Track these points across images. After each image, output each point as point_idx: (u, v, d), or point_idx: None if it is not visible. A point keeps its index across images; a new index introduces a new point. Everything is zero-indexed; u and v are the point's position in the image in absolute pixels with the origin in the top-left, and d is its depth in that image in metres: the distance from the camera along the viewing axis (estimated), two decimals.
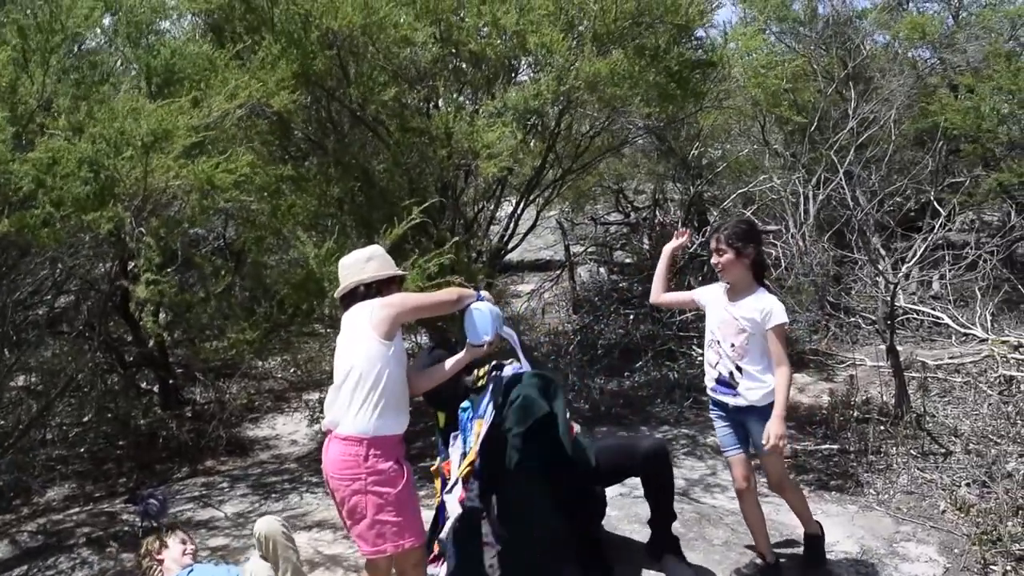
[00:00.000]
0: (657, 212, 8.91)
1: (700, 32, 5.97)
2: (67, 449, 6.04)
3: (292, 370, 7.72)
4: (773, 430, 3.29)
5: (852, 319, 7.04)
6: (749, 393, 3.42)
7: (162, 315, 5.90)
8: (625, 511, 4.15)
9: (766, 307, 3.37)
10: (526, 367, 3.51)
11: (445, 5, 5.01)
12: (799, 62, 8.65)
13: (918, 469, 4.73)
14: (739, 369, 3.45)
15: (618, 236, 9.98)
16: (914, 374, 6.08)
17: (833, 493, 4.58)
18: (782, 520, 4.03)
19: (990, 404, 5.47)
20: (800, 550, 3.78)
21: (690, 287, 7.36)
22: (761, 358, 3.40)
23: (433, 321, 5.39)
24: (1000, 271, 7.43)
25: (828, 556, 3.81)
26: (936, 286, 7.83)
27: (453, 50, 5.39)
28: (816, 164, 7.32)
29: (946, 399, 5.74)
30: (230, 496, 5.10)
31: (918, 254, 5.91)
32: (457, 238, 5.09)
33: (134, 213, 4.11)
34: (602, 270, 9.90)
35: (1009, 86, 8.23)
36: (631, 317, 7.23)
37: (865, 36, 9.64)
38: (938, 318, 6.99)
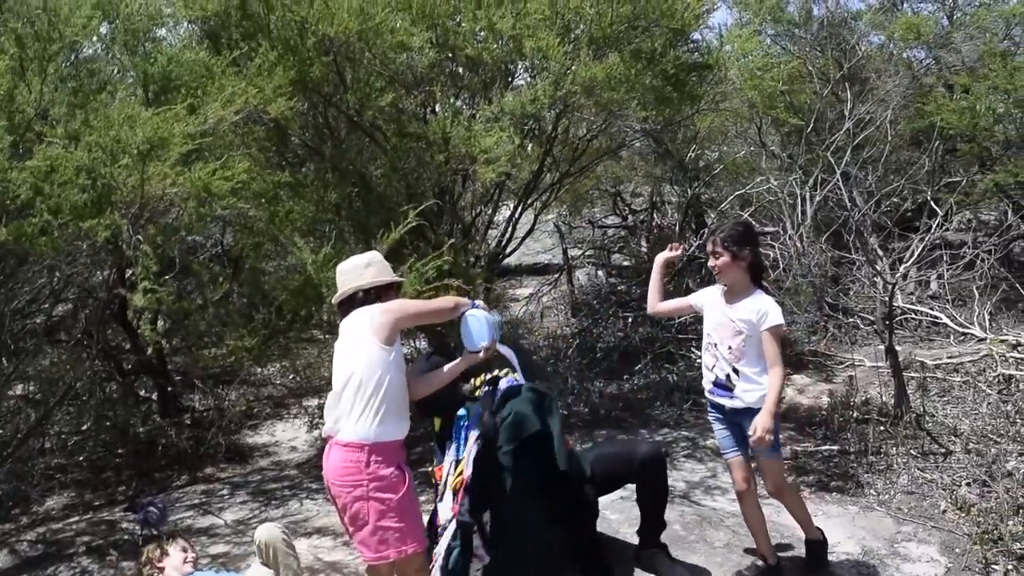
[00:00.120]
0: (655, 215, 8.92)
1: (696, 35, 5.98)
2: (66, 458, 6.03)
3: (291, 376, 7.71)
4: (760, 423, 3.28)
5: (850, 320, 7.05)
6: (746, 395, 3.41)
7: (160, 322, 5.89)
8: (625, 514, 4.15)
9: (762, 308, 3.37)
10: (522, 380, 3.52)
11: (441, 10, 5.01)
12: (795, 64, 8.67)
13: (918, 469, 4.73)
14: (736, 371, 3.44)
15: (616, 239, 10.00)
16: (913, 374, 6.08)
17: (834, 494, 4.57)
18: (783, 522, 4.02)
19: (989, 403, 5.47)
20: (802, 551, 3.78)
21: (688, 289, 7.38)
22: (758, 360, 3.39)
23: (432, 327, 5.38)
24: (997, 270, 7.44)
25: (829, 557, 3.81)
26: (934, 286, 7.84)
27: (450, 55, 5.39)
28: (813, 165, 7.33)
29: (945, 399, 5.74)
30: (230, 503, 5.09)
31: (916, 254, 5.91)
32: (454, 240, 5.09)
33: (131, 221, 4.11)
34: (600, 273, 9.92)
35: (1005, 85, 8.25)
36: (630, 320, 7.24)
37: (860, 37, 9.66)
38: (936, 318, 7.00)
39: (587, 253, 9.94)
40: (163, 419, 6.27)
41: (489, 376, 3.54)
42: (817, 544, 3.69)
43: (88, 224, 3.90)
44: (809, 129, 8.10)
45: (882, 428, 5.20)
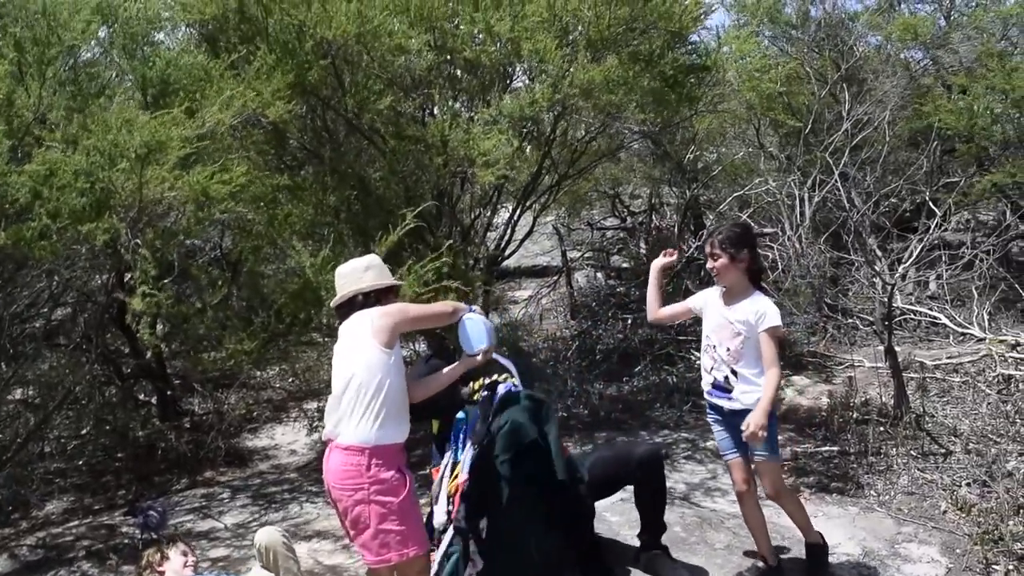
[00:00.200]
0: (653, 216, 8.92)
1: (694, 36, 5.98)
2: (65, 462, 6.02)
3: (291, 380, 7.70)
4: (753, 419, 3.27)
5: (850, 320, 7.05)
6: (744, 396, 3.41)
7: (159, 326, 5.89)
8: (625, 516, 4.14)
9: (760, 310, 3.37)
10: (520, 386, 3.53)
11: (439, 13, 5.01)
12: (792, 65, 8.68)
13: (918, 469, 4.73)
14: (734, 373, 3.45)
15: (615, 241, 10.00)
16: (912, 374, 6.08)
17: (834, 495, 4.57)
18: (784, 523, 4.01)
19: (989, 403, 5.47)
20: (802, 552, 3.77)
21: (688, 291, 7.38)
22: (756, 362, 3.39)
23: (432, 329, 5.39)
24: (996, 270, 7.45)
25: (830, 558, 3.80)
26: (933, 286, 7.84)
27: (448, 57, 5.39)
28: (811, 166, 7.35)
29: (945, 399, 5.74)
30: (230, 507, 5.08)
31: (914, 254, 5.92)
32: (452, 241, 5.09)
33: (129, 224, 4.10)
34: (599, 275, 9.91)
35: (1003, 85, 8.26)
36: (629, 322, 7.24)
37: (858, 38, 9.67)
38: (935, 318, 7.01)
39: (586, 255, 9.94)
40: (162, 423, 6.25)
41: (488, 381, 3.54)
42: (817, 548, 3.68)
43: (87, 228, 3.90)
44: (807, 130, 8.11)
45: (882, 429, 5.20)
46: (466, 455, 3.37)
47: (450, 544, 3.34)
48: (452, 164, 5.10)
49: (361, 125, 5.42)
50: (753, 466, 3.57)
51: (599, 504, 4.18)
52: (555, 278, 9.75)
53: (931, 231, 6.01)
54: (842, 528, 4.15)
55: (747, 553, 3.82)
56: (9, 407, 5.77)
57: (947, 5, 10.62)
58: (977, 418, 5.31)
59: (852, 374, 6.19)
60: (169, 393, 6.50)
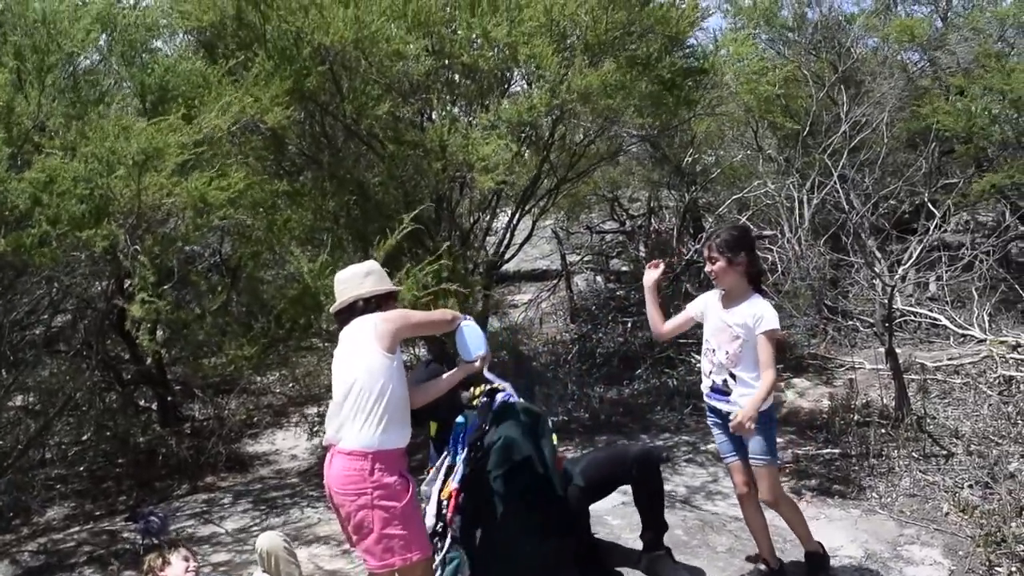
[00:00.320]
0: (652, 220, 8.92)
1: (691, 40, 5.99)
2: (66, 468, 6.02)
3: (291, 385, 7.70)
4: (743, 412, 3.27)
5: (850, 322, 7.05)
6: (743, 400, 3.40)
7: (159, 332, 5.89)
8: (627, 520, 4.14)
9: (758, 313, 3.36)
10: (516, 397, 3.58)
11: (436, 18, 5.02)
12: (790, 67, 8.69)
13: (920, 471, 4.73)
14: (732, 376, 3.44)
15: (614, 244, 10.00)
16: (913, 376, 6.08)
17: (835, 497, 4.57)
18: (785, 525, 4.01)
19: (990, 405, 5.46)
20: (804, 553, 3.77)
21: (687, 294, 7.39)
22: (754, 365, 3.38)
23: (432, 335, 5.39)
24: (996, 271, 7.45)
25: (832, 561, 3.80)
26: (933, 287, 7.84)
27: (446, 62, 5.40)
28: (810, 168, 7.35)
29: (946, 401, 5.74)
30: (231, 512, 5.08)
31: (914, 256, 5.92)
32: (450, 243, 5.09)
33: (128, 231, 4.11)
34: (599, 279, 9.91)
35: (1001, 85, 8.26)
36: (629, 325, 7.24)
37: (855, 40, 9.68)
38: (936, 319, 7.01)
39: (585, 259, 9.94)
40: (163, 429, 6.26)
41: (488, 387, 3.59)
42: (816, 557, 3.64)
43: (86, 234, 3.91)
44: (805, 132, 8.12)
45: (883, 431, 5.20)
46: (459, 463, 3.40)
47: (448, 550, 3.35)
48: (451, 169, 5.10)
49: (360, 131, 5.42)
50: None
51: (600, 507, 4.19)
52: (555, 282, 9.75)
53: (930, 232, 6.02)
54: (844, 530, 4.14)
55: (749, 558, 3.81)
56: (10, 414, 5.78)
57: (944, 6, 10.63)
58: (978, 420, 5.30)
59: (853, 376, 6.18)
60: (169, 399, 6.51)
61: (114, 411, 6.31)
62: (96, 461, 6.17)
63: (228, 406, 6.88)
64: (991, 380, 5.81)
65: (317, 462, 5.80)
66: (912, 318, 7.23)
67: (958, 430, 5.15)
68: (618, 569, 3.66)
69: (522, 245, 6.68)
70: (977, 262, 7.18)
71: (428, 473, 3.55)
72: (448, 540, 3.36)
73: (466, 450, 3.42)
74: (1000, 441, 4.91)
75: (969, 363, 6.20)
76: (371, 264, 3.32)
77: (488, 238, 6.80)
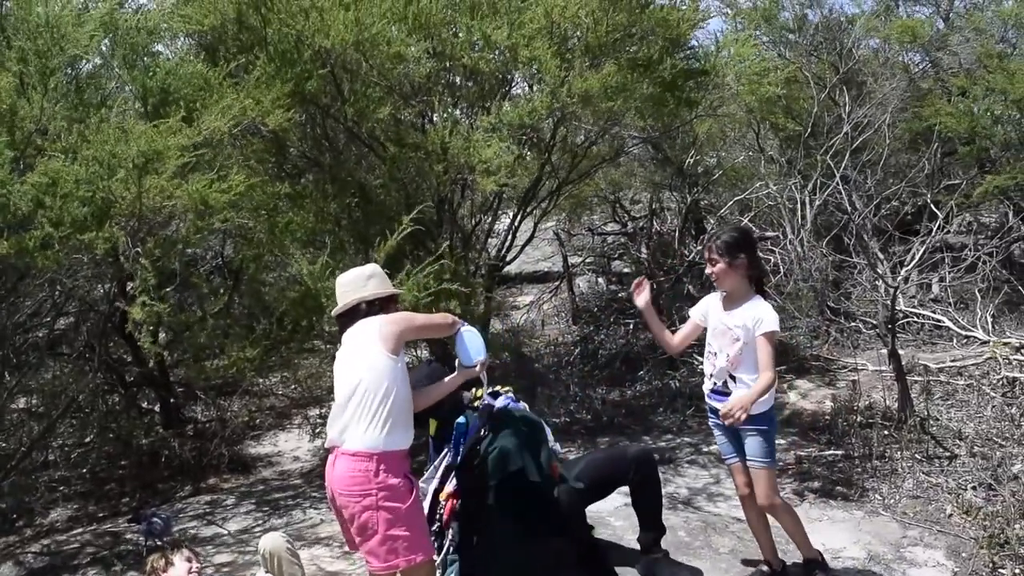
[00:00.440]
0: (654, 221, 8.92)
1: (692, 41, 5.98)
2: (69, 470, 6.03)
3: (293, 387, 7.71)
4: (738, 401, 3.27)
5: (852, 324, 7.04)
6: None
7: (162, 335, 5.90)
8: (629, 521, 4.13)
9: (758, 315, 3.36)
10: (516, 403, 3.63)
11: (437, 20, 5.02)
12: (791, 69, 8.68)
13: (923, 473, 4.72)
14: (733, 378, 3.44)
15: (616, 246, 9.99)
16: (916, 378, 6.06)
17: (838, 499, 4.56)
18: None
19: (994, 406, 5.45)
20: None
21: (689, 294, 7.39)
22: (755, 367, 3.37)
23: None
24: (999, 272, 7.43)
25: (835, 563, 3.80)
26: (936, 289, 7.82)
27: (447, 65, 5.40)
28: (812, 169, 7.33)
29: (949, 402, 5.72)
30: (234, 513, 5.09)
31: (917, 257, 5.91)
32: (449, 242, 5.09)
33: (129, 234, 4.11)
34: (601, 280, 9.91)
35: (1004, 85, 8.24)
36: (631, 326, 7.23)
37: (856, 41, 9.67)
38: (939, 321, 6.99)
39: (587, 260, 9.93)
40: (166, 430, 6.27)
41: (490, 390, 3.63)
42: (814, 564, 3.61)
43: (87, 237, 3.91)
44: (807, 134, 8.11)
45: (886, 432, 5.19)
46: (458, 464, 3.46)
47: (448, 552, 3.38)
48: (452, 171, 5.10)
49: (361, 133, 5.43)
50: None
51: (603, 508, 4.20)
52: (556, 283, 9.75)
53: (933, 234, 6.01)
54: (847, 532, 4.14)
55: (746, 562, 3.80)
56: (13, 416, 5.79)
57: (945, 7, 10.62)
58: (982, 421, 5.29)
59: (856, 378, 6.17)
60: (172, 401, 6.52)
61: (117, 413, 6.32)
62: (99, 463, 6.19)
63: (230, 408, 6.90)
64: (994, 382, 5.79)
65: (319, 463, 5.80)
66: (915, 319, 7.22)
67: (961, 432, 5.14)
68: (618, 570, 3.66)
69: (524, 247, 6.68)
70: (980, 263, 7.16)
71: (427, 471, 3.58)
72: (447, 542, 3.37)
73: (463, 454, 3.45)
74: (1004, 443, 4.90)
75: (972, 365, 6.19)
76: (373, 267, 3.34)
77: (490, 240, 6.79)
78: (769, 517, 3.61)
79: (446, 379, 3.38)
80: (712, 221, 8.60)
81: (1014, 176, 8.31)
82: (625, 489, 3.81)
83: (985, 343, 6.31)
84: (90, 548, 4.73)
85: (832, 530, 4.16)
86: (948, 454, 4.88)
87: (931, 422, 5.25)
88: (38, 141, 4.32)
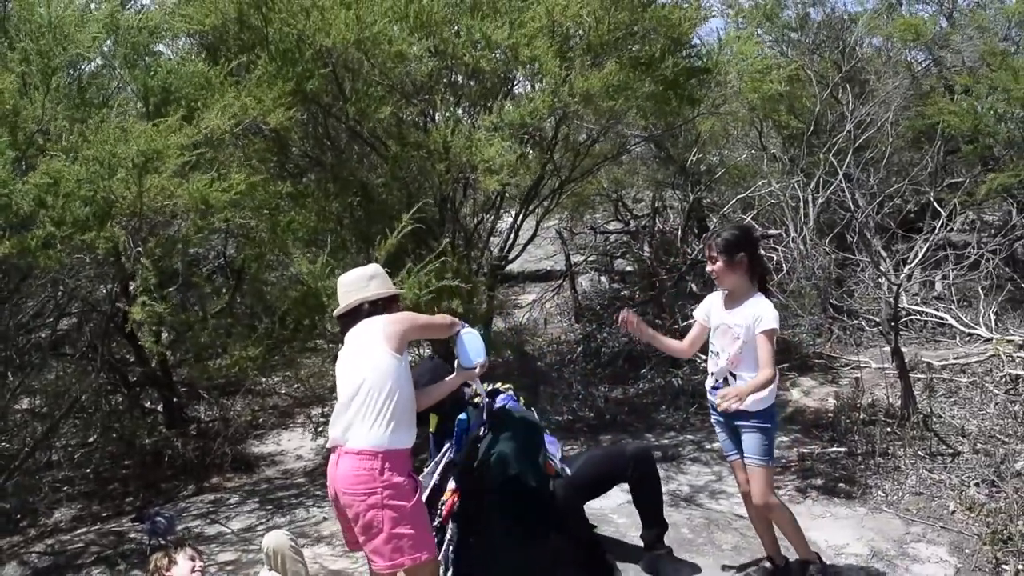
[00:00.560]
0: (657, 220, 8.92)
1: (694, 39, 5.98)
2: (73, 470, 6.04)
3: (296, 386, 7.72)
4: (734, 388, 3.27)
5: (855, 322, 7.03)
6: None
7: (164, 334, 5.92)
8: (633, 518, 4.11)
9: (758, 313, 3.35)
10: (514, 403, 3.67)
11: (438, 18, 5.02)
12: (793, 67, 8.67)
13: (926, 470, 4.71)
14: (733, 376, 3.43)
15: (618, 245, 9.99)
16: (919, 375, 6.05)
17: (841, 496, 4.55)
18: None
19: (997, 403, 5.44)
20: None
21: (692, 292, 7.39)
22: (756, 366, 3.36)
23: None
24: (1002, 270, 7.42)
25: (838, 559, 3.80)
26: (939, 287, 7.81)
27: (448, 63, 5.40)
28: (815, 168, 7.33)
29: (952, 399, 5.71)
30: (237, 512, 5.10)
31: (920, 255, 5.90)
32: (449, 239, 5.09)
33: (131, 233, 4.12)
34: (603, 279, 9.90)
35: (1007, 83, 8.22)
36: None
37: (859, 39, 9.66)
38: (942, 319, 6.98)
39: (590, 259, 9.93)
40: (169, 430, 6.29)
41: (490, 388, 3.68)
42: (804, 565, 3.55)
43: (88, 236, 3.92)
44: (810, 132, 8.10)
45: (889, 429, 5.18)
46: (458, 460, 3.50)
47: (447, 550, 3.41)
48: (454, 170, 5.11)
49: (362, 132, 5.43)
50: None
51: (605, 505, 4.21)
52: (559, 282, 9.75)
53: (936, 231, 6.00)
54: (850, 529, 4.13)
55: (743, 567, 3.80)
56: (16, 417, 5.81)
57: (948, 5, 10.59)
58: (985, 418, 5.28)
59: (859, 375, 6.17)
60: (175, 400, 6.53)
61: (120, 413, 6.34)
62: (103, 463, 6.20)
63: (233, 407, 6.91)
64: (997, 379, 5.78)
65: (323, 462, 5.81)
66: (918, 317, 7.20)
67: (964, 428, 5.13)
68: (620, 567, 3.66)
69: (526, 245, 6.68)
70: (983, 261, 7.15)
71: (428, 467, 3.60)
72: (447, 540, 3.39)
73: (463, 450, 3.46)
74: (1006, 439, 4.90)
75: (975, 362, 6.18)
76: (375, 267, 3.35)
77: (492, 239, 6.80)
78: (783, 511, 3.58)
79: (447, 379, 3.40)
80: (715, 219, 8.60)
81: (1017, 174, 8.28)
82: (627, 486, 3.81)
83: (988, 340, 6.29)
84: (94, 547, 4.74)
85: (835, 527, 4.16)
86: (951, 451, 4.87)
87: (934, 419, 5.24)
88: (40, 141, 4.33)
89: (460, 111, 5.70)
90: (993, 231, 8.74)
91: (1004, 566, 3.71)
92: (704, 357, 3.68)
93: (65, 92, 4.55)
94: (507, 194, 6.39)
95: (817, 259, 6.66)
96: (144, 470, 6.02)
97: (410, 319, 3.23)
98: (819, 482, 4.75)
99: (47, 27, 4.46)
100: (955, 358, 6.36)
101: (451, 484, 3.51)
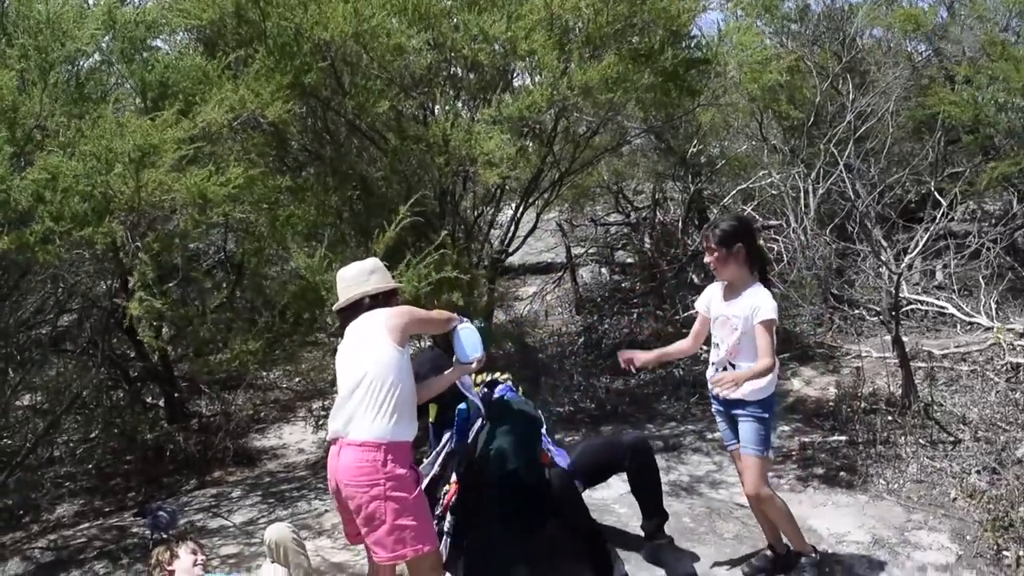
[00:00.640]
0: (657, 211, 8.91)
1: (694, 31, 5.96)
2: (75, 466, 6.06)
3: (297, 380, 7.73)
4: (732, 373, 3.28)
5: (856, 311, 7.02)
6: (741, 389, 3.38)
7: (165, 329, 5.92)
8: (634, 508, 4.10)
9: (756, 303, 3.33)
10: (512, 393, 3.71)
11: (436, 10, 5.01)
12: (793, 58, 8.65)
13: (927, 458, 4.71)
14: (733, 366, 3.43)
15: (619, 236, 9.99)
16: (920, 364, 6.05)
17: (843, 484, 4.56)
18: (793, 511, 4.00)
19: (997, 391, 5.44)
20: (812, 539, 3.76)
21: (692, 283, 7.39)
22: (754, 356, 3.34)
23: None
24: (1003, 259, 7.41)
25: (840, 546, 3.80)
26: (939, 276, 7.81)
27: (447, 56, 5.39)
28: (815, 158, 7.32)
29: (953, 388, 5.71)
30: (239, 505, 5.10)
31: (921, 245, 5.89)
32: (447, 231, 5.09)
33: (129, 228, 4.12)
34: (604, 270, 9.91)
35: (1008, 72, 8.19)
36: (634, 316, 7.23)
37: (859, 30, 9.62)
38: (942, 308, 6.97)
39: (590, 251, 9.93)
40: (170, 425, 6.29)
41: (489, 378, 3.73)
42: (791, 556, 3.54)
43: (86, 232, 3.92)
44: (810, 122, 8.08)
45: (890, 418, 5.18)
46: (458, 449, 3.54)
47: (447, 543, 3.43)
48: (454, 163, 5.10)
49: (361, 126, 5.42)
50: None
51: (607, 496, 4.23)
52: (559, 274, 9.76)
53: (937, 221, 5.99)
54: (851, 516, 4.14)
55: (743, 556, 3.79)
56: (18, 413, 5.81)
57: None
58: (986, 406, 5.28)
59: (859, 364, 6.17)
60: (176, 395, 6.53)
61: (121, 408, 6.34)
62: (104, 458, 6.21)
63: (235, 402, 6.92)
64: (998, 367, 5.78)
65: (325, 455, 5.79)
66: (919, 306, 7.20)
67: (965, 417, 5.14)
68: (623, 555, 3.67)
69: (526, 238, 6.67)
70: (984, 250, 7.14)
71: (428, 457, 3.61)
72: (445, 532, 3.42)
73: (463, 440, 3.50)
74: (1007, 427, 4.90)
75: (976, 350, 6.17)
76: (374, 261, 3.37)
77: (492, 231, 6.79)
78: (776, 502, 3.59)
79: (446, 372, 3.42)
80: (715, 211, 8.59)
81: (1018, 162, 8.27)
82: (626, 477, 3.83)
83: (989, 329, 6.29)
84: (97, 543, 4.75)
85: (836, 515, 4.16)
86: (952, 439, 4.87)
87: (935, 408, 5.24)
88: (38, 137, 4.33)
89: (460, 104, 5.68)
90: (994, 220, 8.74)
91: (1005, 552, 3.72)
92: (707, 348, 3.68)
93: (63, 88, 4.55)
94: (507, 187, 6.38)
95: (818, 249, 6.65)
96: (146, 465, 6.03)
97: (411, 313, 3.25)
98: (820, 471, 4.76)
99: (45, 23, 4.46)
100: (956, 347, 6.35)
101: (453, 475, 3.52)
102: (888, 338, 5.70)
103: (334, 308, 3.37)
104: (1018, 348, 5.85)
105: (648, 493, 3.71)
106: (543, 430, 3.72)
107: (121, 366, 6.36)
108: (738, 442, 3.49)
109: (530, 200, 6.46)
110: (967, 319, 6.66)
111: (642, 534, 3.77)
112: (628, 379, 6.51)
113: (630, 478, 3.72)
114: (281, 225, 5.01)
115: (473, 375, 3.57)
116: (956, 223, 8.71)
